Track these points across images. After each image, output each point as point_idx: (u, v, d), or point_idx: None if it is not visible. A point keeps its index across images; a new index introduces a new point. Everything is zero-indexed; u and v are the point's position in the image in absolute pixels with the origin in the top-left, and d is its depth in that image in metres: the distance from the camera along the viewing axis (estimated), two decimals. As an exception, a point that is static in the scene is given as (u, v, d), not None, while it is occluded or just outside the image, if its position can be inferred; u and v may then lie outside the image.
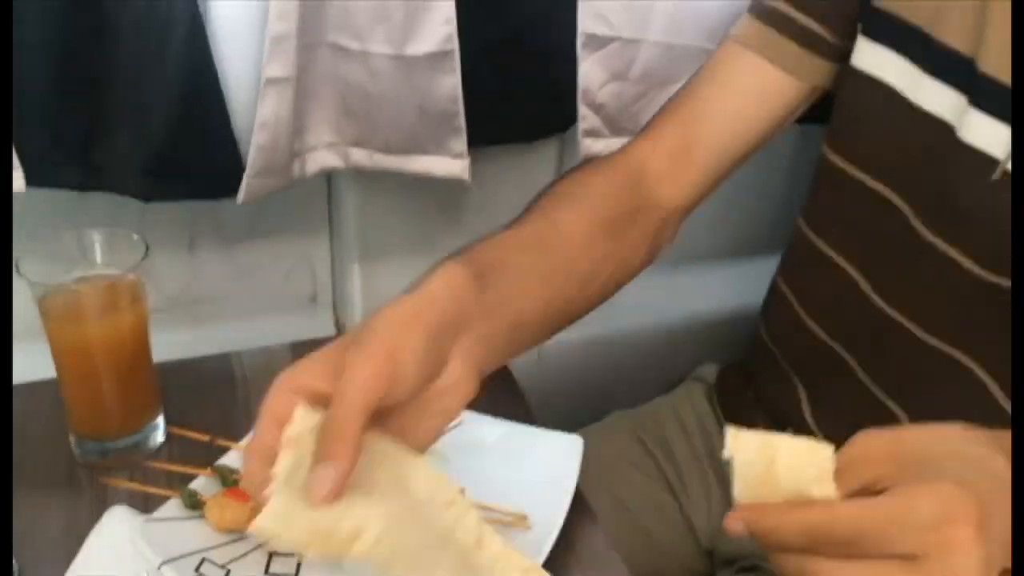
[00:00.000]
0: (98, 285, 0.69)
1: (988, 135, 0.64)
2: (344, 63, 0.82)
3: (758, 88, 0.76)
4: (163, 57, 0.76)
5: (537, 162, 0.99)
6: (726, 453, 0.44)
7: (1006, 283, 0.65)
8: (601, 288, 0.71)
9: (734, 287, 1.16)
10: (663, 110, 0.79)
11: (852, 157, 0.75)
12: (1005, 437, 0.47)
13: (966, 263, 0.67)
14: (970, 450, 0.45)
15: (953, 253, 0.67)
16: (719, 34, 0.82)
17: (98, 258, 0.70)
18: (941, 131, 0.67)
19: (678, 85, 0.84)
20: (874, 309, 0.74)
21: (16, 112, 0.74)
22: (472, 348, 0.53)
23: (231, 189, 0.81)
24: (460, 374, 0.52)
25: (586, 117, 0.89)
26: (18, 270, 0.66)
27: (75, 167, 0.79)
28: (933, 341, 0.70)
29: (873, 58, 0.71)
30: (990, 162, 0.64)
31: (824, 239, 0.78)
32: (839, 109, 0.76)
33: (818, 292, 0.80)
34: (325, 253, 1.02)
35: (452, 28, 0.79)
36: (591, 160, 0.79)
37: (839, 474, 0.42)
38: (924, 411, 0.72)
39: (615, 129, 0.92)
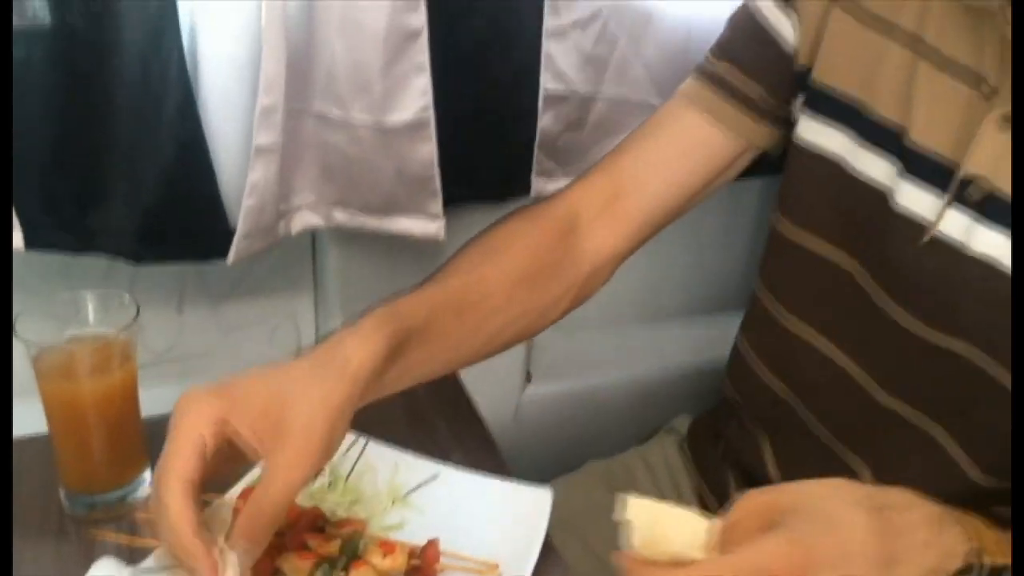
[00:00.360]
0: (90, 345, 0.72)
1: (918, 201, 0.68)
2: (328, 130, 0.86)
3: (695, 142, 0.79)
4: (156, 127, 0.81)
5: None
6: (618, 517, 0.49)
7: (949, 343, 0.68)
8: (512, 339, 0.75)
9: (706, 341, 1.20)
10: (600, 160, 0.81)
11: (801, 223, 0.78)
12: (887, 493, 0.55)
13: (913, 325, 0.70)
14: (827, 505, 0.52)
15: (899, 315, 0.71)
16: (667, 90, 0.86)
17: (91, 318, 0.73)
18: (878, 199, 0.70)
19: (621, 136, 0.89)
20: (832, 368, 0.77)
21: (17, 178, 0.79)
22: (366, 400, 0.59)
23: (220, 251, 0.85)
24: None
25: (541, 161, 0.96)
26: (15, 331, 0.69)
27: (71, 230, 0.83)
28: (890, 401, 0.73)
29: (815, 131, 0.75)
30: (920, 227, 0.68)
31: (779, 300, 0.82)
32: (786, 179, 0.80)
33: (776, 350, 0.83)
34: (309, 310, 1.06)
35: (428, 99, 0.84)
36: (521, 208, 0.79)
37: (728, 534, 0.48)
38: (886, 466, 0.75)
39: (568, 171, 0.98)
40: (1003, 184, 0.63)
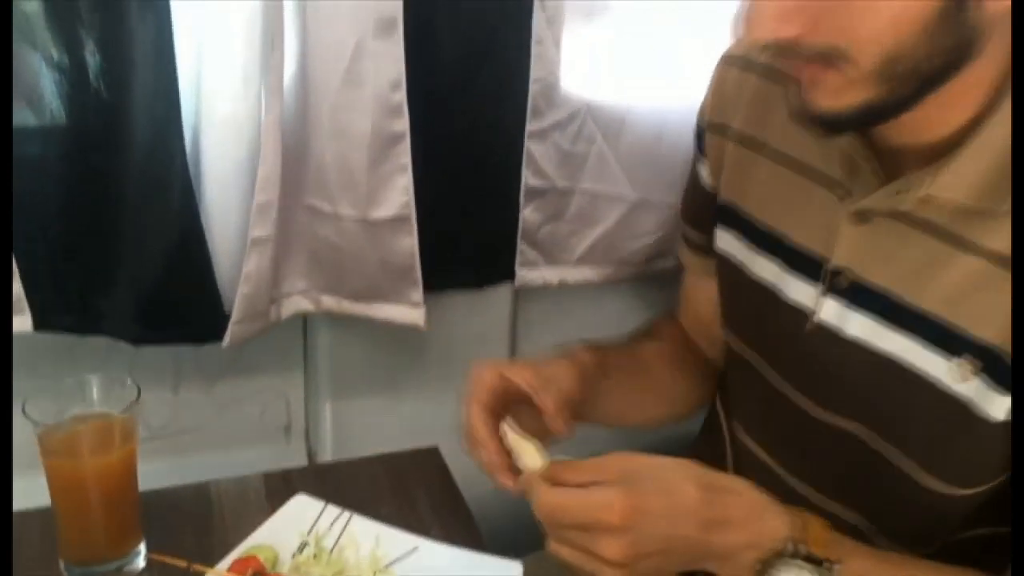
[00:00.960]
0: (93, 424, 0.77)
1: (801, 293, 0.75)
2: (317, 223, 0.93)
3: (705, 292, 0.91)
4: (160, 219, 0.87)
5: (493, 305, 1.09)
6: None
7: (842, 423, 0.74)
8: (667, 413, 0.93)
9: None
10: (680, 302, 0.98)
11: (726, 326, 0.87)
12: (723, 478, 0.65)
13: (811, 408, 0.77)
14: (666, 474, 0.63)
15: (800, 400, 0.77)
16: (641, 183, 1.02)
17: (95, 399, 0.78)
18: (769, 296, 0.78)
19: (605, 225, 1.04)
20: (753, 459, 0.84)
21: (29, 264, 0.85)
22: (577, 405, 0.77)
23: (216, 335, 0.91)
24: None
25: (524, 252, 1.03)
26: (23, 411, 0.74)
27: (76, 314, 0.89)
28: (799, 485, 0.80)
29: (722, 240, 0.84)
30: (805, 316, 0.75)
31: (719, 399, 0.91)
32: (718, 285, 0.88)
33: (715, 450, 0.91)
34: (299, 389, 1.11)
35: (410, 196, 0.91)
36: (667, 313, 0.99)
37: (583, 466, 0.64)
38: None
39: (551, 261, 1.05)
40: (863, 273, 0.71)
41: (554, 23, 0.93)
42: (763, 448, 0.83)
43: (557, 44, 0.95)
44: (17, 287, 0.86)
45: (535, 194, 1.02)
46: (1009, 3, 0.57)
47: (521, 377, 0.74)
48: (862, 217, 0.70)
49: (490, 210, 1.01)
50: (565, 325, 1.13)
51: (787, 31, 0.58)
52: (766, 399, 0.81)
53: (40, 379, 0.83)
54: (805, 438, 0.77)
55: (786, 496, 0.76)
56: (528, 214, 1.02)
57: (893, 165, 0.68)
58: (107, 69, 0.82)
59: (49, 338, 0.90)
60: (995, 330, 0.64)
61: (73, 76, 0.82)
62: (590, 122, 1.01)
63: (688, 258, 0.94)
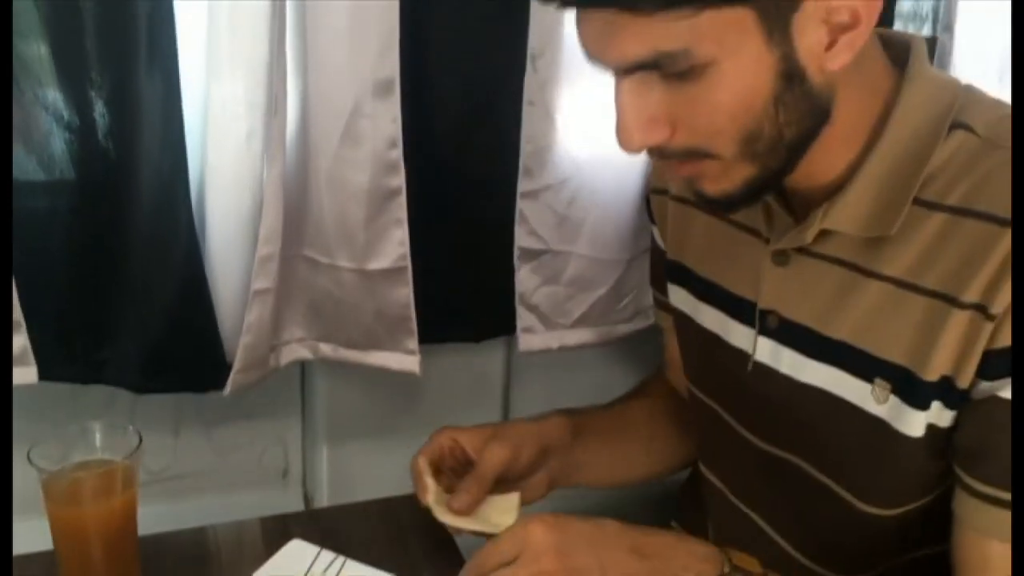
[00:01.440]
0: (95, 471, 0.79)
1: (741, 337, 0.80)
2: (316, 274, 0.96)
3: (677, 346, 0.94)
4: (164, 271, 0.91)
5: (487, 355, 1.12)
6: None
7: (783, 454, 0.79)
8: (658, 467, 0.97)
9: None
10: (666, 359, 1.01)
11: (687, 374, 0.90)
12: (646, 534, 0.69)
13: (757, 442, 0.81)
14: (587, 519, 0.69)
15: (747, 435, 0.82)
16: (630, 246, 1.05)
17: (98, 446, 0.81)
18: (716, 342, 0.83)
19: (602, 289, 1.05)
20: (725, 500, 0.88)
21: (35, 314, 0.88)
22: (553, 470, 0.85)
23: (218, 383, 0.93)
24: (540, 481, 0.85)
25: (523, 316, 1.04)
26: (29, 458, 0.77)
27: (81, 364, 0.92)
28: (755, 517, 0.84)
29: (674, 296, 0.89)
30: (745, 356, 0.79)
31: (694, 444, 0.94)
32: (677, 339, 0.92)
33: (694, 495, 0.94)
34: (297, 434, 1.14)
35: (405, 249, 0.94)
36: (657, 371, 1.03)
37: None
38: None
39: (549, 325, 1.06)
40: (787, 311, 0.75)
41: (546, 86, 0.96)
42: (723, 483, 0.87)
43: (549, 107, 0.97)
44: (23, 338, 0.88)
45: (531, 255, 1.04)
46: (849, 59, 0.63)
47: (468, 441, 0.81)
48: (780, 259, 0.75)
49: (486, 267, 1.04)
50: (560, 371, 1.16)
51: (652, 140, 0.65)
52: (722, 437, 0.85)
53: (45, 425, 0.85)
54: (755, 471, 0.82)
55: (745, 528, 0.84)
56: (525, 275, 1.04)
57: (802, 208, 0.73)
58: (115, 128, 0.86)
59: (54, 384, 0.92)
60: (902, 350, 0.68)
61: (82, 135, 0.86)
62: (585, 187, 1.03)
63: (661, 318, 0.98)
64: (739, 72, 0.61)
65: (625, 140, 0.65)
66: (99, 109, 0.85)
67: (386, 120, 0.89)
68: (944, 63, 1.12)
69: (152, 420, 1.04)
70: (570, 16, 0.85)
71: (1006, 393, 0.63)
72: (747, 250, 0.79)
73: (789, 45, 0.61)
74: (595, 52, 0.64)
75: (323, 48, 0.88)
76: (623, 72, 0.63)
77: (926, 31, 1.19)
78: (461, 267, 1.02)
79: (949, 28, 1.11)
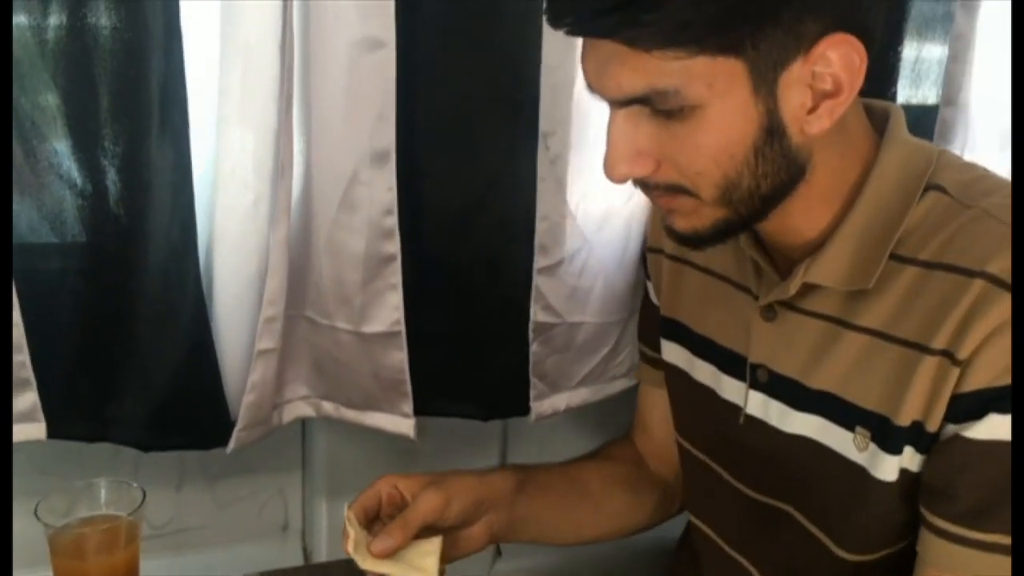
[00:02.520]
0: (100, 526, 0.82)
1: (732, 390, 0.83)
2: (316, 333, 0.99)
3: (656, 403, 0.98)
4: (172, 332, 0.93)
5: (483, 424, 1.13)
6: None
7: (774, 503, 0.81)
8: (608, 531, 0.97)
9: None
10: (636, 422, 1.03)
11: (679, 430, 0.93)
12: None
13: (749, 492, 0.83)
14: None
15: (739, 486, 0.84)
16: (628, 305, 1.07)
17: (103, 501, 0.84)
18: (709, 395, 0.86)
19: (604, 350, 1.07)
20: (715, 547, 0.90)
21: (42, 375, 0.91)
22: (493, 523, 0.84)
23: (221, 440, 0.96)
24: (477, 533, 0.84)
25: (535, 386, 1.06)
26: (35, 513, 0.79)
27: (88, 423, 0.94)
28: (747, 563, 0.86)
29: (668, 352, 0.92)
30: (737, 409, 0.82)
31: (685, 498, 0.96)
32: (668, 395, 0.95)
33: (687, 548, 0.96)
34: (297, 489, 1.16)
35: (400, 314, 0.97)
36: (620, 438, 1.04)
37: None
38: None
39: (555, 389, 1.08)
40: (775, 365, 0.78)
41: (558, 162, 0.98)
42: (715, 532, 0.89)
43: (561, 182, 0.99)
44: (34, 395, 0.91)
45: (544, 328, 1.05)
46: (828, 125, 0.67)
47: (407, 487, 0.81)
48: (769, 314, 0.78)
49: (494, 341, 1.05)
50: (557, 429, 1.17)
51: (637, 172, 0.69)
52: (713, 488, 0.87)
53: (52, 479, 0.88)
54: (746, 520, 0.84)
55: (736, 573, 0.85)
56: (537, 348, 1.05)
57: (787, 264, 0.77)
58: (127, 194, 0.89)
59: (61, 441, 0.95)
60: (879, 398, 0.71)
61: (95, 200, 0.89)
62: (593, 256, 1.04)
63: (644, 371, 1.01)
64: (724, 118, 0.65)
65: (611, 169, 0.69)
66: (111, 176, 0.89)
67: (382, 188, 0.93)
68: (947, 136, 1.14)
69: (156, 475, 1.06)
70: (580, 90, 0.90)
71: (970, 433, 0.66)
72: (738, 306, 0.82)
73: (774, 102, 0.65)
74: (594, 82, 0.68)
75: (324, 115, 0.92)
76: (618, 104, 0.67)
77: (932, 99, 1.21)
78: (466, 338, 1.04)
79: (951, 102, 1.13)
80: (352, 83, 0.90)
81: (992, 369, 0.64)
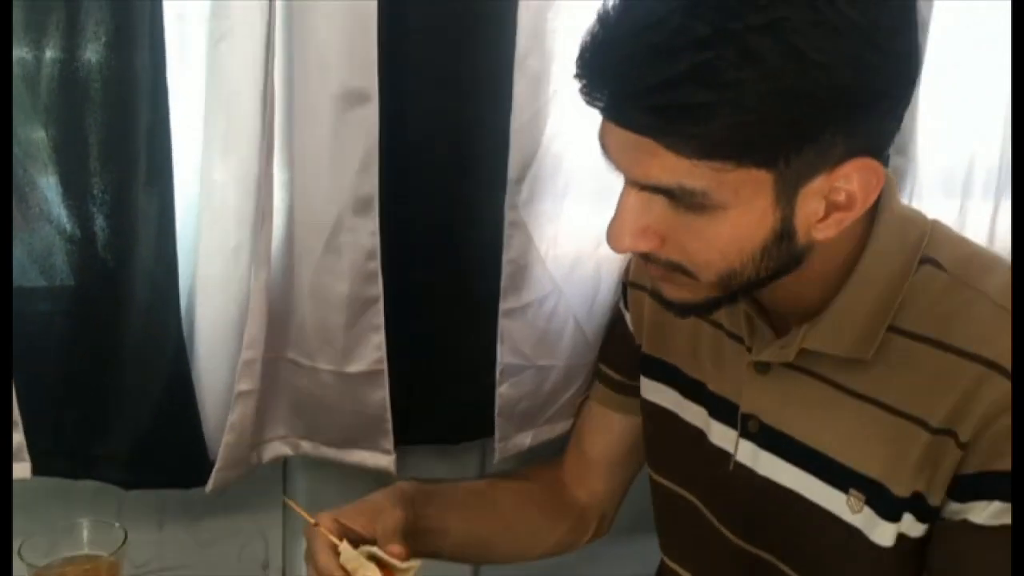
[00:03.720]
0: (82, 566, 0.84)
1: (723, 436, 0.85)
2: (298, 375, 1.02)
3: (603, 424, 1.01)
4: (152, 374, 0.96)
5: (464, 454, 1.16)
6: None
7: (758, 552, 0.82)
8: (513, 551, 0.98)
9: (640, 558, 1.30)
10: (570, 442, 1.05)
11: (656, 466, 0.95)
12: None
13: (733, 538, 0.85)
14: None
15: (724, 530, 0.86)
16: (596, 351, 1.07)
17: (85, 541, 0.86)
18: (699, 437, 0.87)
19: (574, 388, 1.09)
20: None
21: (28, 414, 0.93)
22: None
23: (201, 480, 0.98)
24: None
25: (501, 427, 1.08)
26: (19, 553, 0.81)
27: (72, 460, 0.96)
28: None
29: (652, 390, 0.94)
30: (726, 455, 0.84)
31: (658, 533, 0.98)
32: (645, 433, 0.97)
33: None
34: (278, 528, 1.17)
35: (382, 353, 0.99)
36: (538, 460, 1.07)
37: None
38: None
39: (521, 427, 1.11)
40: (768, 418, 0.80)
41: (526, 206, 1.01)
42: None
43: (529, 227, 1.01)
44: (20, 435, 0.93)
45: (513, 371, 1.06)
46: (834, 234, 0.69)
47: (355, 523, 0.83)
48: (762, 368, 0.80)
49: (466, 377, 1.07)
50: (532, 448, 1.19)
51: (640, 247, 0.70)
52: (698, 532, 0.89)
53: (36, 518, 0.90)
54: (730, 567, 0.86)
55: None
56: (505, 391, 1.06)
57: (782, 323, 0.79)
58: (114, 240, 0.92)
59: (45, 480, 0.97)
60: (875, 465, 0.73)
61: (83, 246, 0.92)
62: (563, 301, 1.06)
63: (600, 392, 1.03)
64: (743, 221, 0.66)
65: (615, 240, 0.70)
66: (99, 222, 0.92)
67: (365, 234, 0.96)
68: (901, 184, 1.18)
69: (138, 514, 1.07)
70: (549, 139, 0.94)
71: (975, 517, 0.68)
72: (731, 355, 0.84)
73: (791, 210, 0.67)
74: (617, 160, 0.68)
75: (309, 165, 0.95)
76: (634, 186, 0.68)
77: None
78: (440, 374, 1.06)
79: (901, 152, 1.17)
80: (336, 135, 0.93)
81: (995, 452, 0.67)
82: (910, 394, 0.71)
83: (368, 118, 0.93)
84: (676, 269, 0.71)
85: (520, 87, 0.96)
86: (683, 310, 0.75)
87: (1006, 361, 0.67)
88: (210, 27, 0.88)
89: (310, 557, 0.82)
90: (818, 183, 0.66)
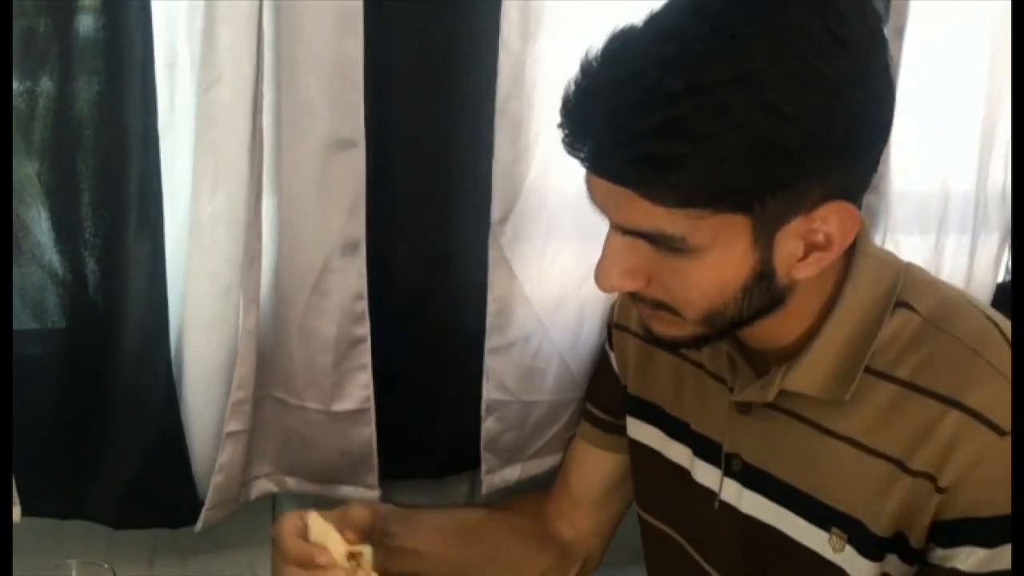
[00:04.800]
0: (71, 608, 0.84)
1: (707, 475, 0.86)
2: (285, 413, 1.03)
3: (589, 461, 1.02)
4: (144, 413, 0.97)
5: (451, 488, 1.17)
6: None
7: None
8: None
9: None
10: (557, 478, 1.05)
11: (645, 506, 0.96)
12: None
13: (716, 575, 0.86)
14: None
15: (709, 569, 0.87)
16: (582, 388, 1.09)
17: (74, 583, 0.86)
18: (683, 475, 0.89)
19: (560, 423, 1.10)
20: None
21: (20, 454, 0.94)
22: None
23: (190, 519, 0.99)
24: None
25: (487, 460, 1.10)
26: (8, 593, 0.82)
27: (63, 500, 0.97)
28: None
29: (637, 429, 0.95)
30: (711, 494, 0.85)
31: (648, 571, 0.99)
32: (632, 472, 0.98)
33: None
34: (267, 564, 1.18)
35: (369, 392, 1.01)
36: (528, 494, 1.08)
37: None
38: None
39: (508, 461, 1.12)
40: (751, 457, 0.82)
41: (510, 247, 1.03)
42: None
43: (513, 266, 1.03)
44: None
45: (498, 406, 1.08)
46: (814, 273, 0.71)
47: (313, 517, 0.84)
48: (744, 408, 0.82)
49: (452, 413, 1.09)
50: (523, 482, 1.20)
51: (626, 286, 0.73)
52: (684, 570, 0.90)
53: (25, 562, 0.90)
54: None
55: None
56: (490, 425, 1.08)
57: (762, 363, 0.80)
58: (105, 283, 0.94)
59: (34, 520, 0.98)
60: (856, 505, 0.74)
61: (74, 289, 0.93)
62: (548, 338, 1.08)
63: (586, 429, 1.04)
64: (722, 263, 0.69)
65: (602, 280, 0.73)
66: (91, 266, 0.93)
67: (352, 275, 0.98)
68: (871, 220, 1.20)
69: (128, 553, 1.08)
70: (532, 181, 0.97)
71: (961, 565, 0.69)
72: (713, 395, 0.86)
73: (769, 251, 0.69)
74: (600, 205, 0.71)
75: (296, 210, 0.97)
76: (620, 230, 0.71)
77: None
78: (427, 411, 1.08)
79: (874, 190, 1.19)
80: (324, 179, 0.96)
81: (975, 500, 0.68)
82: (887, 436, 0.73)
83: (355, 162, 0.95)
84: (662, 307, 0.73)
85: (502, 131, 0.99)
86: (671, 345, 0.78)
87: (986, 410, 0.69)
88: (200, 76, 0.90)
89: (275, 549, 0.83)
90: (795, 225, 0.68)
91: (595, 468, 1.02)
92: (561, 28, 0.99)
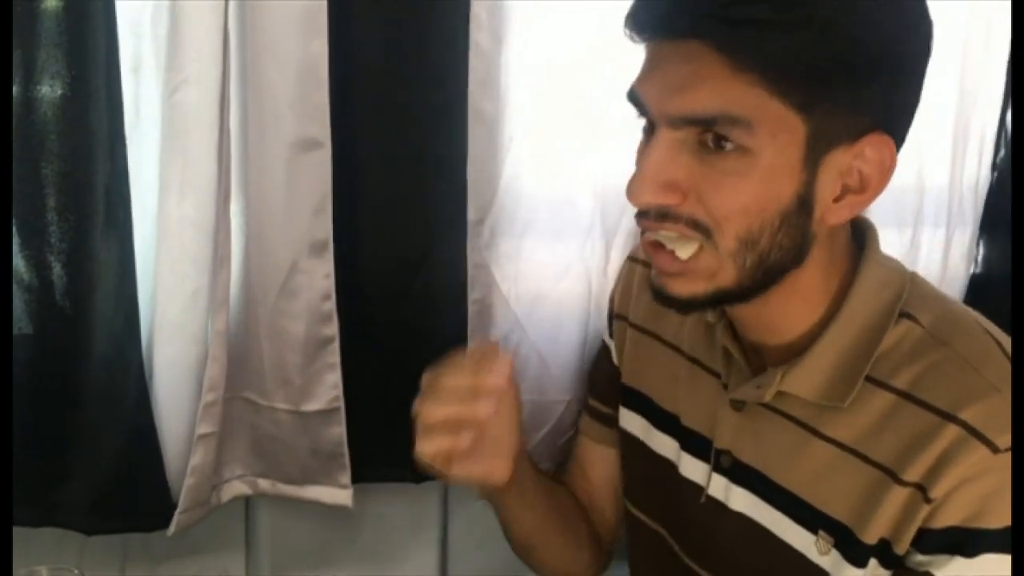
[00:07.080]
0: (40, 614, 0.84)
1: (694, 470, 0.86)
2: (255, 414, 1.03)
3: (596, 457, 1.02)
4: (115, 419, 0.97)
5: (425, 493, 1.16)
6: None
7: None
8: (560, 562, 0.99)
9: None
10: (572, 477, 1.05)
11: (630, 498, 0.96)
12: None
13: (703, 573, 0.86)
14: None
15: (693, 565, 0.87)
16: (570, 388, 1.09)
17: (44, 590, 0.86)
18: (669, 468, 0.89)
19: (543, 431, 1.10)
20: None
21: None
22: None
23: (163, 523, 0.99)
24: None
25: None
26: (-26, 601, 0.81)
27: (35, 507, 0.97)
28: None
29: (627, 419, 0.95)
30: (699, 489, 0.85)
31: (630, 566, 0.99)
32: (621, 464, 0.98)
33: None
34: (241, 567, 1.18)
35: (339, 391, 1.01)
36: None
37: None
38: None
39: None
40: (741, 454, 0.82)
41: (487, 249, 1.03)
42: None
43: (490, 267, 1.04)
44: (-21, 486, 0.94)
45: None
46: (846, 219, 0.72)
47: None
48: (738, 405, 0.82)
49: None
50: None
51: (662, 199, 0.70)
52: (665, 565, 0.90)
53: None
54: None
55: None
56: None
57: (759, 361, 0.80)
58: (72, 288, 0.93)
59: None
60: (845, 510, 0.74)
61: (41, 294, 0.93)
62: (527, 340, 1.08)
63: (588, 425, 1.03)
64: (771, 170, 0.67)
65: (637, 192, 0.70)
66: (57, 271, 0.93)
67: (320, 276, 0.98)
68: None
69: (100, 558, 1.07)
70: (507, 181, 0.97)
71: (937, 571, 0.70)
72: (706, 390, 0.85)
73: (813, 177, 0.68)
74: (661, 98, 0.68)
75: (264, 211, 0.97)
76: (674, 125, 0.68)
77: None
78: (400, 411, 1.07)
79: None
80: (290, 181, 0.96)
81: (963, 511, 0.69)
82: (883, 445, 0.73)
83: (322, 163, 0.95)
84: (695, 227, 0.70)
85: (476, 133, 0.99)
86: (688, 307, 0.75)
87: (982, 426, 0.69)
88: (166, 78, 0.90)
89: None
90: (839, 155, 0.68)
91: (604, 463, 1.01)
92: (530, 31, 1.00)
